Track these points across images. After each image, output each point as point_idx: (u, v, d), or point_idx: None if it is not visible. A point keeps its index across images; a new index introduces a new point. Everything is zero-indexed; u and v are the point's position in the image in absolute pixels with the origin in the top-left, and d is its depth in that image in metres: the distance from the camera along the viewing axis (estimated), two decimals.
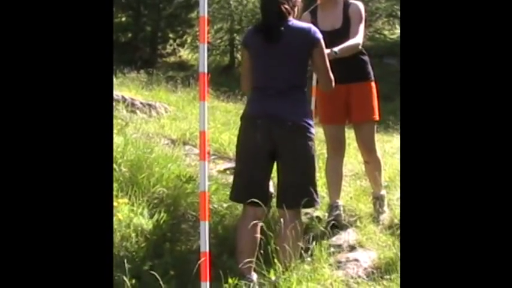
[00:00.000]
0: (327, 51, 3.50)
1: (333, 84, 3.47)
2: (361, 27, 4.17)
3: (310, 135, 3.36)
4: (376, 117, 4.26)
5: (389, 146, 7.17)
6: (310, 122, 3.38)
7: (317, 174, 3.43)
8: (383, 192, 4.49)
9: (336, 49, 3.77)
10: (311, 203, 3.38)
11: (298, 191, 3.30)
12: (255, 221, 3.21)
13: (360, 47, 4.13)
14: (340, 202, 4.28)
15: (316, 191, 3.42)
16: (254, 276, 3.14)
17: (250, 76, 3.44)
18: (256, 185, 3.29)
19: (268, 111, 3.29)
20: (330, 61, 3.53)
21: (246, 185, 3.29)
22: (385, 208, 4.44)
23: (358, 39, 4.07)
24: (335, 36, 3.96)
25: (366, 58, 4.28)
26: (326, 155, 4.55)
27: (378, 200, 4.41)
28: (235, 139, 5.41)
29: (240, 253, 3.20)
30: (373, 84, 4.25)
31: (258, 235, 3.26)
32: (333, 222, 4.05)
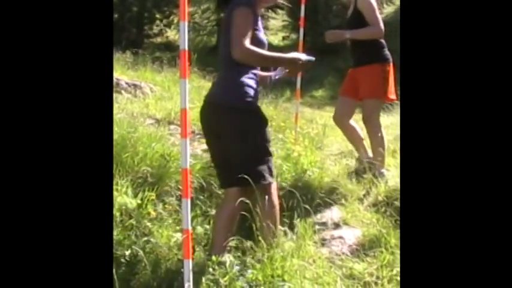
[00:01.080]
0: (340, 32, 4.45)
1: (247, 56, 3.02)
2: (377, 15, 4.65)
3: (241, 115, 3.15)
4: (379, 95, 4.75)
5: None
6: (241, 101, 3.16)
7: (271, 149, 3.28)
8: (383, 170, 4.76)
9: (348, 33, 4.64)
10: (254, 179, 3.08)
11: (236, 170, 3.10)
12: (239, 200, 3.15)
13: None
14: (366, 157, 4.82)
15: (257, 167, 3.15)
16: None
17: None
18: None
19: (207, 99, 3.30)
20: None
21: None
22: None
23: (377, 27, 4.60)
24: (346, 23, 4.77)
25: (375, 43, 4.74)
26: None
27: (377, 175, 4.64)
28: None
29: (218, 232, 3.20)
30: (377, 66, 4.72)
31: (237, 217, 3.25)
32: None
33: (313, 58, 3.29)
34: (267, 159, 3.21)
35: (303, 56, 3.26)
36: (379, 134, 4.80)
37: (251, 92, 3.20)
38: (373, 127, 4.79)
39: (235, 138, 3.14)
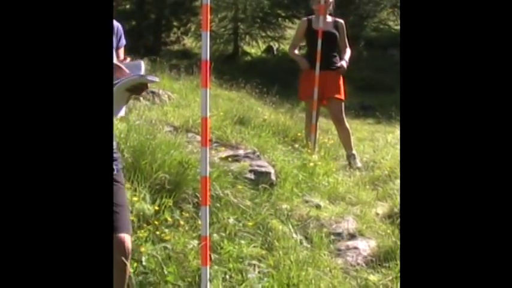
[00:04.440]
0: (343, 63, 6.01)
1: None
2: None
3: None
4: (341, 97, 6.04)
5: (391, 137, 7.21)
6: None
7: None
8: (354, 151, 6.02)
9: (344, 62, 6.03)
10: None
11: None
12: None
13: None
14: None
15: None
16: None
17: None
18: None
19: None
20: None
21: None
22: (358, 162, 5.91)
23: (349, 50, 6.19)
24: (327, 35, 5.95)
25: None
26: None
27: (350, 157, 5.93)
28: (237, 127, 5.50)
29: None
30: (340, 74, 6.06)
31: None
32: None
33: (155, 79, 2.41)
34: None
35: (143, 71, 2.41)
36: (348, 130, 6.08)
37: None
38: (345, 126, 6.05)
39: None
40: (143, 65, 2.41)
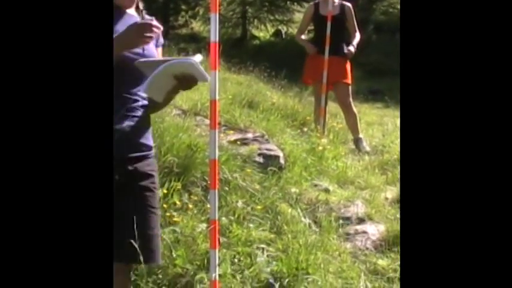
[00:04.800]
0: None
1: None
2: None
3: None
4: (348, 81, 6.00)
5: (400, 121, 7.17)
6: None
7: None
8: (361, 135, 6.03)
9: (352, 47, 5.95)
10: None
11: None
12: None
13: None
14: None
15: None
16: None
17: None
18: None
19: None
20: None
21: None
22: (366, 146, 5.95)
23: (358, 34, 6.12)
24: (333, 20, 5.86)
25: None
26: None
27: (358, 141, 5.96)
28: (245, 110, 5.48)
29: None
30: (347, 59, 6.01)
31: None
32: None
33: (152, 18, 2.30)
34: None
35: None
36: (355, 114, 6.13)
37: None
38: (352, 110, 6.08)
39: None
40: (200, 57, 2.25)
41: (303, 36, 6.24)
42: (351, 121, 6.06)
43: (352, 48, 5.98)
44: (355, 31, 6.11)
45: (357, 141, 5.98)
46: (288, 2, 17.51)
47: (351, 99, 6.09)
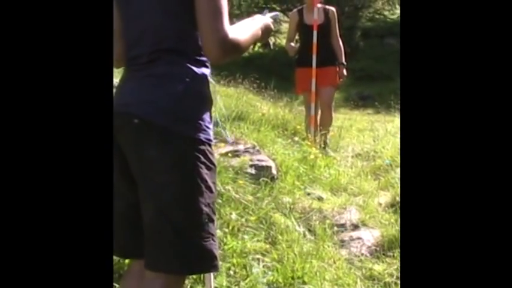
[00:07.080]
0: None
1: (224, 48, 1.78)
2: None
3: (183, 145, 1.84)
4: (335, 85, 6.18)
5: (391, 126, 7.22)
6: (191, 117, 1.88)
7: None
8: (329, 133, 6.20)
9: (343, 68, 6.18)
10: (188, 267, 1.91)
11: (161, 245, 1.85)
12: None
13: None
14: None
15: (203, 251, 1.89)
16: None
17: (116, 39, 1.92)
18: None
19: (120, 107, 1.85)
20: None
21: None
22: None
23: (341, 43, 6.16)
24: (320, 28, 5.92)
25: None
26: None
27: (326, 136, 5.99)
28: (235, 123, 5.49)
29: None
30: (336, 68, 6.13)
31: None
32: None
33: (277, 13, 2.62)
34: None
35: (269, 15, 2.27)
36: (332, 116, 6.27)
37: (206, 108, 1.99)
38: (331, 112, 6.24)
39: (169, 187, 1.83)
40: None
41: (292, 44, 6.25)
42: (327, 120, 6.13)
43: (344, 71, 6.16)
44: (337, 38, 6.13)
45: (325, 136, 6.03)
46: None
47: (333, 103, 6.35)
